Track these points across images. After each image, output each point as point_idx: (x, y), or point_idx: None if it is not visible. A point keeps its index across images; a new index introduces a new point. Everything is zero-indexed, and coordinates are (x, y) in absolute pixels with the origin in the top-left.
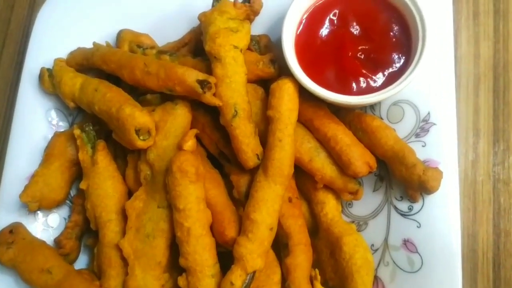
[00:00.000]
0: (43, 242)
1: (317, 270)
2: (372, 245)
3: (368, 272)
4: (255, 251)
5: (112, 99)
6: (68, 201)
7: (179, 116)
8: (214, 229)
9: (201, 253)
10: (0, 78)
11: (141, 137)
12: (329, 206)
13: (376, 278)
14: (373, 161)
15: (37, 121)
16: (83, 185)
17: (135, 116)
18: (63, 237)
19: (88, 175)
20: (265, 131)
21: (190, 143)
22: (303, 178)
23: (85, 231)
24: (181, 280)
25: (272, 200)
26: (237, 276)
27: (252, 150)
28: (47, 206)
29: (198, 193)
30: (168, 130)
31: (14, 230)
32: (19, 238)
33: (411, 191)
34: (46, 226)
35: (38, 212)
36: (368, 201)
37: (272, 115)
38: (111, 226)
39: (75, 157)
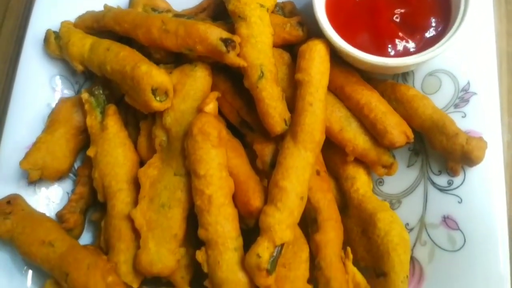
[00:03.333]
0: (44, 215)
1: (349, 248)
2: (407, 224)
3: (405, 250)
4: (284, 221)
5: (126, 58)
6: (72, 175)
7: (199, 79)
8: (237, 199)
9: (223, 223)
10: None
11: (157, 98)
12: (360, 181)
13: (412, 260)
14: (410, 131)
15: (40, 87)
16: (90, 152)
17: (152, 74)
18: (66, 210)
19: (96, 142)
20: (291, 99)
21: (211, 106)
22: (330, 152)
23: (91, 205)
24: (200, 255)
25: (302, 168)
26: (264, 248)
27: (279, 114)
28: (49, 176)
29: (220, 159)
30: (186, 93)
31: (12, 201)
32: (17, 209)
33: (452, 163)
34: (48, 201)
35: (39, 185)
36: (401, 178)
37: (302, 78)
38: (121, 196)
39: (82, 124)
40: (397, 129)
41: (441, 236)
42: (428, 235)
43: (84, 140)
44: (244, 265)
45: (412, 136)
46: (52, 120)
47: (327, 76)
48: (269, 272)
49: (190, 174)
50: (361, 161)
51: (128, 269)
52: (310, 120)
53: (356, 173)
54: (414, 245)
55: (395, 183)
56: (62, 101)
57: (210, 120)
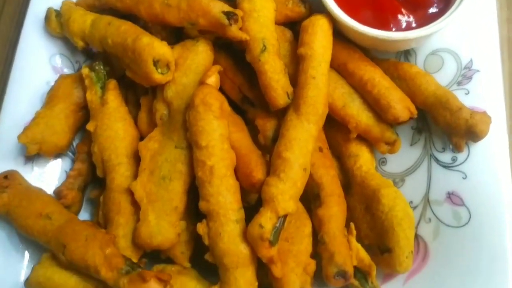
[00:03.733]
0: (41, 189)
1: (352, 224)
2: (411, 202)
3: (410, 225)
4: (287, 192)
5: (128, 31)
6: (70, 153)
7: (201, 53)
8: (239, 172)
9: (225, 194)
10: None
11: (159, 71)
12: (363, 158)
13: (416, 237)
14: (413, 107)
15: (40, 65)
16: (90, 126)
17: (154, 46)
18: (64, 187)
19: (96, 116)
20: (294, 75)
21: (213, 78)
22: (333, 130)
23: (89, 183)
24: (201, 227)
25: (305, 140)
26: (267, 219)
27: (282, 87)
28: (47, 151)
29: (222, 130)
30: (188, 67)
31: (9, 176)
32: (14, 183)
33: (456, 138)
34: (45, 179)
35: (37, 162)
36: (404, 156)
37: (304, 52)
38: (120, 169)
39: (81, 100)
40: (400, 104)
41: (446, 213)
42: (433, 212)
43: (83, 117)
44: (246, 237)
45: (415, 112)
46: (52, 96)
47: (330, 51)
48: (271, 243)
49: (191, 147)
50: (364, 139)
51: (126, 244)
52: (313, 92)
53: (359, 151)
54: (419, 223)
55: (398, 162)
56: (62, 77)
57: (212, 91)
